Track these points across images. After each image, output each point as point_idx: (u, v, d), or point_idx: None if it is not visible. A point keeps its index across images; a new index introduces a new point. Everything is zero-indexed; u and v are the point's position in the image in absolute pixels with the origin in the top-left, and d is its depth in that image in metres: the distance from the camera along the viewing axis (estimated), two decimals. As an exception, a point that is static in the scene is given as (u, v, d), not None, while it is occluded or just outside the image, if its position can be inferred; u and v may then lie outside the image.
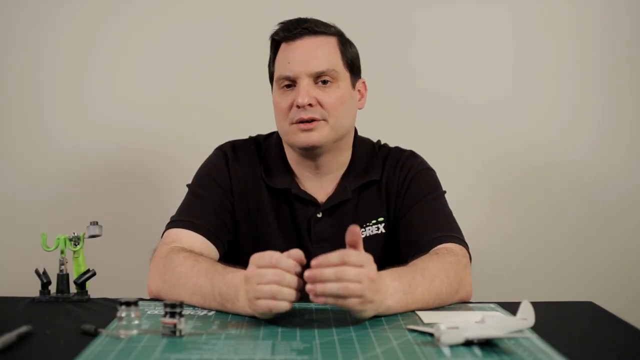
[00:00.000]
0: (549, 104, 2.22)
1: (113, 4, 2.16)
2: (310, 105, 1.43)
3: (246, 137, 1.62)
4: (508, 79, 2.23)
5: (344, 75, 1.49)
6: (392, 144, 1.63)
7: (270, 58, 1.54)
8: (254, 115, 1.99)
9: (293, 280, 1.13)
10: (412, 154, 1.59)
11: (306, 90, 1.43)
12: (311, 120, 1.44)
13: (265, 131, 1.63)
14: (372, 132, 1.64)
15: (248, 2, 2.17)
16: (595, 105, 2.23)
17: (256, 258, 1.15)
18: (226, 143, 1.59)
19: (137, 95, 2.18)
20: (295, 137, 1.46)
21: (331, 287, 1.10)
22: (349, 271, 1.11)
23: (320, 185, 1.53)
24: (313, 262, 1.11)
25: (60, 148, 2.17)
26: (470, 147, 2.21)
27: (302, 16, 1.52)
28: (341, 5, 2.14)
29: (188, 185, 1.56)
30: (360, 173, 1.54)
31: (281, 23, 1.51)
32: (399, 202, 1.53)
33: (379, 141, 1.62)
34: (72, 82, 2.17)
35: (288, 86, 1.47)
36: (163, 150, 2.18)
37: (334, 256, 1.11)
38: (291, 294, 1.12)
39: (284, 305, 1.12)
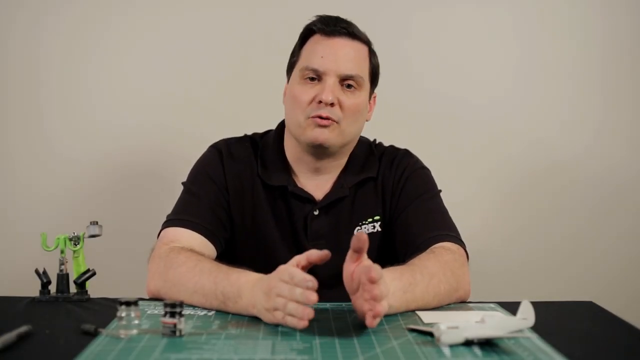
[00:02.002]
0: (548, 104, 2.22)
1: (111, 5, 2.16)
2: (332, 104, 1.43)
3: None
4: (508, 79, 2.22)
5: (367, 85, 1.49)
6: (390, 144, 1.63)
7: (296, 46, 1.52)
8: (254, 114, 1.99)
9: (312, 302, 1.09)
10: (407, 153, 1.60)
11: (332, 89, 1.43)
12: (327, 118, 1.43)
13: (264, 129, 1.62)
14: (372, 133, 1.63)
15: (246, 1, 2.17)
16: (595, 105, 2.23)
17: (287, 273, 1.11)
18: (220, 140, 1.59)
19: (136, 95, 2.17)
20: (308, 131, 1.44)
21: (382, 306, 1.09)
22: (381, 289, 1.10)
23: (317, 183, 1.53)
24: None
25: (60, 148, 2.16)
26: (470, 147, 2.21)
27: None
28: (340, 4, 2.13)
29: (183, 184, 1.55)
30: (357, 170, 1.54)
31: (319, 16, 1.50)
32: (394, 201, 1.53)
33: (374, 140, 1.62)
34: (71, 83, 2.16)
35: (312, 79, 1.46)
36: (162, 149, 2.18)
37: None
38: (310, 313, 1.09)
39: (303, 324, 1.08)
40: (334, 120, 1.44)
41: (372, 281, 1.07)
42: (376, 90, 1.57)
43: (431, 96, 2.20)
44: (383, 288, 1.09)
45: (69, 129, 2.17)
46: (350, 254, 1.14)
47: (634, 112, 2.23)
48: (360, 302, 1.11)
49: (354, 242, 1.12)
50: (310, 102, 1.44)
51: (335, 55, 1.45)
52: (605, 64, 2.21)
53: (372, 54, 1.52)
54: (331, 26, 1.47)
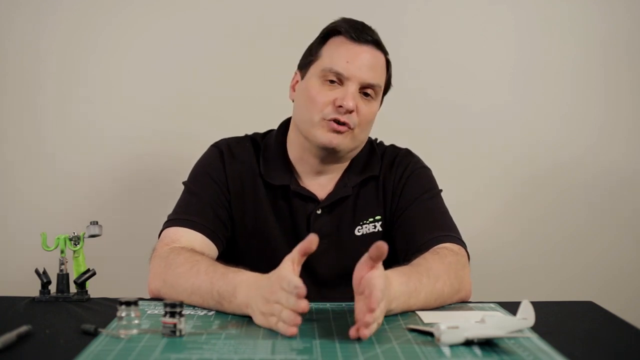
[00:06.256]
0: (549, 106, 2.22)
1: (110, 7, 2.15)
2: (351, 111, 1.43)
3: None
4: (508, 81, 2.22)
5: (380, 95, 1.50)
6: (391, 143, 1.63)
7: (315, 43, 1.51)
8: (254, 114, 1.99)
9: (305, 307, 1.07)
10: (408, 153, 1.60)
11: (353, 96, 1.43)
12: (344, 124, 1.43)
13: (264, 130, 1.62)
14: (376, 133, 1.63)
15: (245, 2, 2.17)
16: (595, 106, 2.23)
17: (286, 282, 1.09)
18: (221, 140, 1.59)
19: (136, 96, 2.17)
20: (321, 133, 1.44)
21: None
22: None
23: (319, 182, 1.53)
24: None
25: (59, 148, 2.16)
26: (471, 149, 2.21)
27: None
28: (337, 4, 2.13)
29: (184, 183, 1.55)
30: (359, 169, 1.54)
31: (344, 18, 1.49)
32: (395, 201, 1.53)
33: (375, 139, 1.63)
34: (70, 83, 2.16)
35: (332, 81, 1.45)
36: (162, 149, 2.18)
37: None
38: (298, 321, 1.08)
39: (292, 331, 1.07)
40: (350, 127, 1.44)
41: (370, 311, 1.06)
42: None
43: (432, 98, 2.20)
44: (378, 314, 1.09)
45: (69, 129, 2.17)
46: (366, 259, 1.10)
47: (635, 112, 2.23)
48: (360, 306, 1.10)
49: (372, 251, 1.09)
50: (328, 104, 1.44)
51: (361, 62, 1.44)
52: (606, 64, 2.21)
53: (388, 64, 1.52)
54: (359, 32, 1.46)
